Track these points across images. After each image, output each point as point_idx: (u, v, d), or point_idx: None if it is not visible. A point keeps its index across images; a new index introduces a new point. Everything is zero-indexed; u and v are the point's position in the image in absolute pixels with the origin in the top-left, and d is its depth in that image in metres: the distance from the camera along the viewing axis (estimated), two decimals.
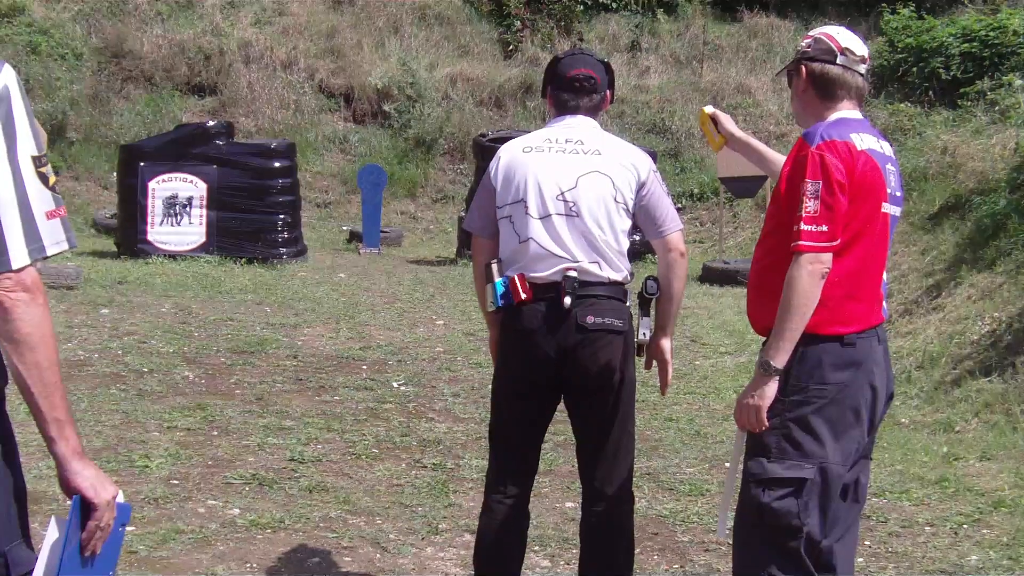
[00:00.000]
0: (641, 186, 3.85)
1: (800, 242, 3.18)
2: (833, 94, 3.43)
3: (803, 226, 3.18)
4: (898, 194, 3.44)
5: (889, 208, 3.37)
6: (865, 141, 3.30)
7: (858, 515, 3.58)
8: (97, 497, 2.29)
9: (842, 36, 3.46)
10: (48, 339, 2.23)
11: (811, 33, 3.54)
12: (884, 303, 3.47)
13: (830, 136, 3.25)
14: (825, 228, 3.18)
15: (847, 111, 3.42)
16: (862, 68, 3.45)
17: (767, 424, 3.28)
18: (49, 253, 2.26)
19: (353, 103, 19.82)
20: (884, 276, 3.46)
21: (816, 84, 3.44)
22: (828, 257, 3.19)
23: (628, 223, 3.86)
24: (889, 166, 3.39)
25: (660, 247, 3.92)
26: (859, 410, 3.32)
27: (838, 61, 3.41)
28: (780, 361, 3.24)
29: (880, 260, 3.39)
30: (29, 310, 2.20)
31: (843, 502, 3.40)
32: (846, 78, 3.42)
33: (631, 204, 3.84)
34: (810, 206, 3.18)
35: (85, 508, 2.30)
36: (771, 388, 3.27)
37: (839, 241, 3.21)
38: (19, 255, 2.20)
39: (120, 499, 2.35)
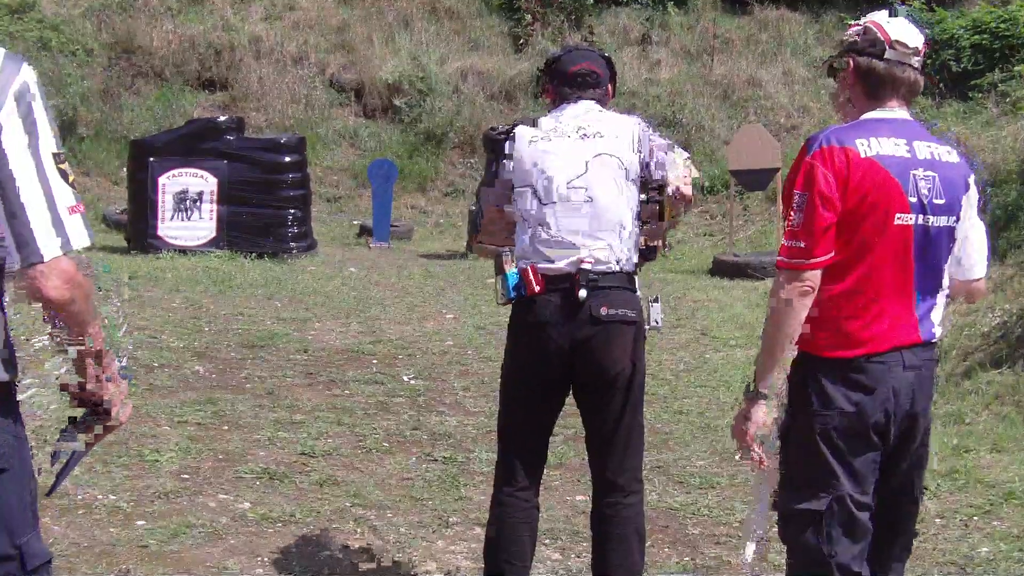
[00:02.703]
0: (638, 143, 3.87)
1: (779, 257, 3.02)
2: (878, 94, 3.13)
3: (784, 240, 3.01)
4: (938, 201, 3.06)
5: (906, 218, 3.03)
6: (877, 146, 3.01)
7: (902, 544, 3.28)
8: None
9: (892, 27, 3.12)
10: (91, 300, 2.36)
11: (860, 21, 3.22)
12: (925, 324, 3.13)
13: (830, 142, 2.99)
14: (802, 244, 2.96)
15: (884, 111, 3.12)
16: (915, 61, 3.12)
17: (751, 445, 3.11)
18: (74, 247, 2.28)
19: (363, 97, 19.82)
20: (916, 293, 3.11)
21: (863, 81, 3.14)
22: (810, 275, 2.97)
23: (639, 198, 3.85)
24: (921, 171, 3.04)
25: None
26: (869, 435, 3.06)
27: (886, 55, 3.09)
28: (762, 383, 3.06)
29: (899, 277, 3.07)
30: (72, 291, 2.29)
31: (869, 525, 3.11)
32: (895, 74, 3.10)
33: (640, 170, 3.85)
34: (793, 219, 2.99)
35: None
36: (757, 411, 3.08)
37: (825, 258, 2.97)
38: (50, 247, 2.24)
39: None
